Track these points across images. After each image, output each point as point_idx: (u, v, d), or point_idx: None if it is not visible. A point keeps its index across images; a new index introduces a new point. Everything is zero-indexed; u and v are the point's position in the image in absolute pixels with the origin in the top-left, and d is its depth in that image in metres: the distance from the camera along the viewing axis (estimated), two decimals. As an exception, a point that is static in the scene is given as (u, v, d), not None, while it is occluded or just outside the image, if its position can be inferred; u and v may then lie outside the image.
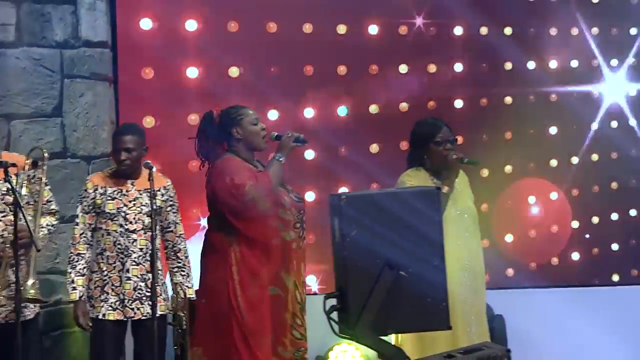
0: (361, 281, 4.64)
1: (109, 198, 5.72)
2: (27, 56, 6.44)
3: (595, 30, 8.69)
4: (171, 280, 5.92)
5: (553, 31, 8.71)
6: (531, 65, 8.59)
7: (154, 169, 5.59)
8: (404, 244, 4.69)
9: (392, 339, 5.73)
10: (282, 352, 5.77)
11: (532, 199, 8.65)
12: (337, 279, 4.81)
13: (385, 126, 8.10)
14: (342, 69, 8.07)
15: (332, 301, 4.70)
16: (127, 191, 5.76)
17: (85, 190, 5.76)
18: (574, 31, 8.69)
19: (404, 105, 8.19)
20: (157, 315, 5.63)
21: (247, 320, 5.72)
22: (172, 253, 5.91)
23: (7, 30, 6.40)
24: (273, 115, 7.67)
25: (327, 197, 5.02)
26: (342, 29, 7.98)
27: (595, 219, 8.70)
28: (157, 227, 5.78)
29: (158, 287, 5.72)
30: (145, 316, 5.71)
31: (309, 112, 7.90)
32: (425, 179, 6.01)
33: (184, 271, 5.87)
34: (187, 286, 5.85)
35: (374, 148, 8.12)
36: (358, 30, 8.04)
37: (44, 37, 6.50)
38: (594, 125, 8.61)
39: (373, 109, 8.11)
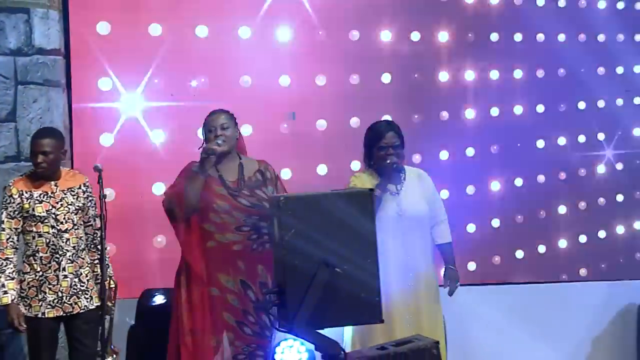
0: (299, 278, 4.66)
1: (37, 202, 5.81)
2: (-18, 64, 6.48)
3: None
4: (93, 271, 6.01)
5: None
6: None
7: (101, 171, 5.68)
8: (339, 243, 4.72)
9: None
10: (219, 350, 5.83)
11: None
12: (276, 276, 4.87)
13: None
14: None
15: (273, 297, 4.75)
16: (52, 193, 5.86)
17: (11, 196, 5.82)
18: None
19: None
20: (93, 307, 5.88)
21: (185, 320, 5.82)
22: (93, 246, 6.02)
23: (-38, 39, 6.46)
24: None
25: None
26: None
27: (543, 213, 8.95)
28: (81, 222, 5.92)
29: (91, 281, 5.90)
30: (83, 309, 5.87)
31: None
32: (370, 180, 6.10)
33: (104, 262, 5.87)
34: (108, 276, 5.94)
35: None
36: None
37: (-3, 45, 6.54)
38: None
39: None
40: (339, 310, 4.76)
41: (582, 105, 9.16)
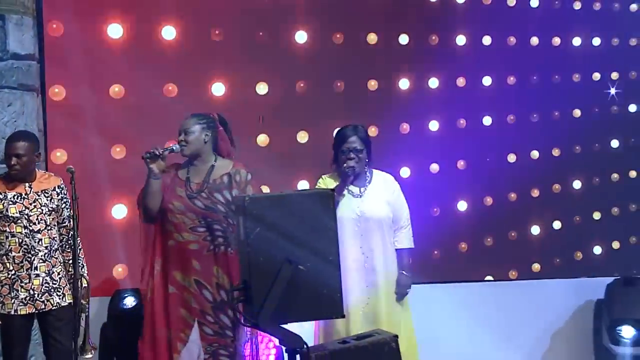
0: (263, 275, 4.75)
1: (11, 202, 5.87)
2: (-43, 68, 6.51)
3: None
4: (67, 270, 6.09)
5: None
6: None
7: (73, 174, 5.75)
8: (302, 241, 4.82)
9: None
10: (180, 347, 5.98)
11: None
12: (242, 273, 4.95)
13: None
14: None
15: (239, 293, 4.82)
16: (26, 194, 5.92)
17: None
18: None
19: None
20: (66, 304, 5.93)
21: (144, 316, 6.06)
22: (67, 246, 6.07)
23: (-61, 44, 6.49)
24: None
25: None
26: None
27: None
28: (54, 222, 5.99)
29: (63, 279, 5.97)
30: (55, 306, 5.94)
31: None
32: (333, 183, 6.25)
33: (78, 261, 5.92)
34: (83, 275, 5.99)
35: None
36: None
37: (-27, 50, 6.56)
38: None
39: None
40: (302, 305, 4.87)
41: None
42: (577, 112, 9.24)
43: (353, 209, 6.22)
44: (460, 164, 8.73)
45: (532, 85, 9.07)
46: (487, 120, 8.83)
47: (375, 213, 6.28)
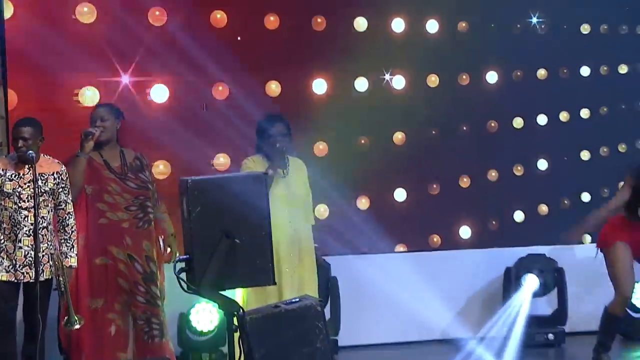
0: (204, 248, 5.01)
1: (7, 180, 6.14)
2: None
3: None
4: (60, 250, 6.28)
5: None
6: None
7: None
8: (238, 218, 5.07)
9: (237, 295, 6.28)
10: (112, 315, 6.35)
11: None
12: (185, 246, 5.21)
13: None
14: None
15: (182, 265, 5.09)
16: (23, 174, 6.17)
17: None
18: None
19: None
20: (43, 279, 6.09)
21: (83, 290, 6.36)
22: (61, 227, 6.29)
23: None
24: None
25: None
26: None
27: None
28: (47, 204, 6.21)
29: (46, 256, 6.18)
30: (32, 280, 6.10)
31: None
32: (262, 163, 6.58)
33: (69, 243, 6.23)
34: (70, 255, 6.23)
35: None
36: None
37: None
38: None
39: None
40: (238, 274, 5.11)
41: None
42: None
43: (282, 187, 6.59)
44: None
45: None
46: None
47: (299, 191, 6.71)
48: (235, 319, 5.13)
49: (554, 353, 7.95)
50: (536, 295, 8.15)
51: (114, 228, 6.38)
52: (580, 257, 8.33)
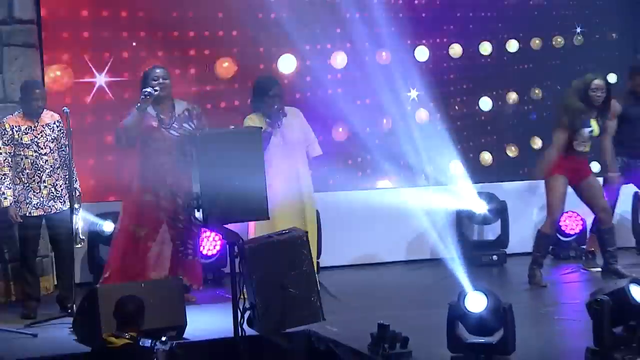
0: (211, 191, 5.23)
1: (24, 133, 6.42)
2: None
3: None
4: (66, 183, 6.53)
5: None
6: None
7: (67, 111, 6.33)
8: (238, 165, 5.28)
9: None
10: (152, 243, 6.67)
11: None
12: (199, 190, 5.33)
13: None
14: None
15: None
16: (34, 127, 6.45)
17: (4, 129, 6.43)
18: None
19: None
20: (67, 208, 6.44)
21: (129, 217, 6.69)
22: (64, 166, 6.52)
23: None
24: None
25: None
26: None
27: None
28: (56, 148, 6.48)
29: (64, 190, 6.48)
30: (58, 211, 6.50)
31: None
32: (260, 121, 6.61)
33: (73, 176, 6.45)
34: (76, 187, 6.50)
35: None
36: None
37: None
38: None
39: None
40: (239, 210, 5.33)
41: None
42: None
43: (278, 137, 6.65)
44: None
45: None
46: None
47: (294, 138, 6.76)
48: (235, 247, 5.33)
49: (497, 271, 8.06)
50: (485, 223, 8.30)
51: (159, 169, 6.62)
52: (522, 192, 8.45)
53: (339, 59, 8.85)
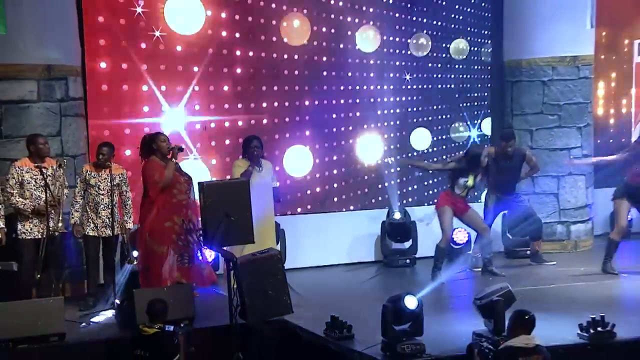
0: (213, 222, 5.55)
1: (92, 177, 6.68)
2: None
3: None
4: (121, 218, 6.82)
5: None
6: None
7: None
8: (233, 206, 5.59)
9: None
10: (169, 257, 6.53)
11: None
12: (202, 222, 5.74)
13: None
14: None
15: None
16: (99, 174, 6.70)
17: (82, 172, 6.71)
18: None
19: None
20: (116, 234, 6.67)
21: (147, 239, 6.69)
22: (123, 205, 6.82)
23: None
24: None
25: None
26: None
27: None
28: (116, 191, 6.71)
29: (116, 222, 6.69)
30: (108, 235, 6.72)
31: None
32: (245, 164, 6.98)
33: (128, 214, 6.74)
34: (127, 221, 6.75)
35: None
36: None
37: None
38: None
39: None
40: (232, 236, 5.65)
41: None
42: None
43: (258, 179, 6.94)
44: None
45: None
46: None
47: (267, 180, 7.11)
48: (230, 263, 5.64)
49: (410, 270, 8.19)
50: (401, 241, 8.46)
51: (179, 204, 6.64)
52: (428, 214, 8.51)
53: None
